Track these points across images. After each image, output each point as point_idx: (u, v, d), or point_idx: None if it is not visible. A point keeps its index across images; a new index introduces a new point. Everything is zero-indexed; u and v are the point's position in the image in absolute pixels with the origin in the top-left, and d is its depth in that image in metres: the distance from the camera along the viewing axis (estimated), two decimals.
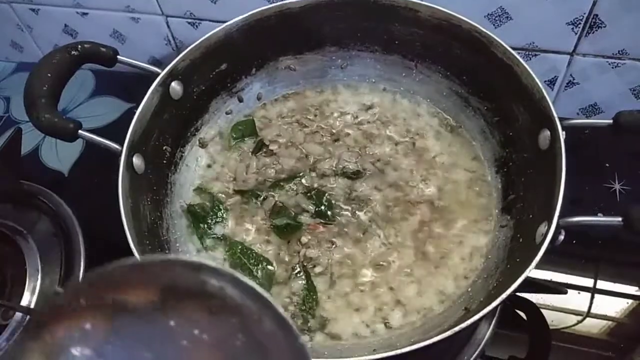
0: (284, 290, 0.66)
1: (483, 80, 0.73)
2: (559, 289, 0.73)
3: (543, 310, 0.71)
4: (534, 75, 0.64)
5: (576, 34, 0.79)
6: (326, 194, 0.72)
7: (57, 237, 0.81)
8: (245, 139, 0.80)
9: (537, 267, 0.52)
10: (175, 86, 0.72)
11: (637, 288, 0.74)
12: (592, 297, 0.73)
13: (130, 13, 0.97)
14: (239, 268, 0.68)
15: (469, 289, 0.64)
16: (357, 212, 0.71)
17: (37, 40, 1.09)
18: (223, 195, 0.75)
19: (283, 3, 0.75)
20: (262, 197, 0.73)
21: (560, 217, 0.54)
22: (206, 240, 0.71)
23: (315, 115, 0.81)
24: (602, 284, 0.74)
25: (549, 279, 0.74)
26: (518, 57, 0.65)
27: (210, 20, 0.94)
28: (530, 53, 0.83)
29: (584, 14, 0.76)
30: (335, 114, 0.81)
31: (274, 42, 0.79)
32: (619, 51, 0.79)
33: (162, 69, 0.70)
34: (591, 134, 0.79)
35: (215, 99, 0.80)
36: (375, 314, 0.64)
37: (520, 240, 0.62)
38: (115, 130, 0.97)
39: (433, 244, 0.68)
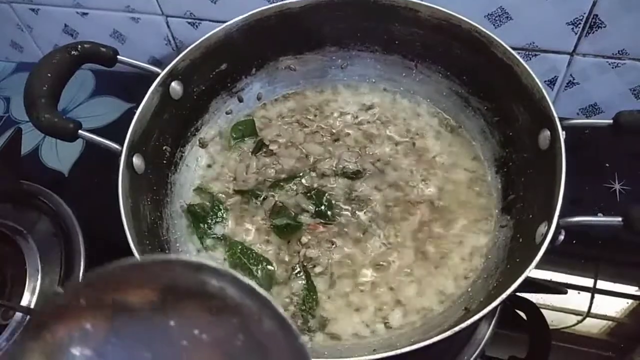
0: (284, 290, 0.66)
1: (483, 80, 0.73)
2: (559, 289, 0.73)
3: (543, 310, 0.72)
4: (534, 75, 0.64)
5: (576, 34, 0.79)
6: (326, 194, 0.72)
7: (57, 237, 0.81)
8: (245, 139, 0.80)
9: (537, 267, 0.52)
10: (175, 86, 0.72)
11: (637, 288, 0.74)
12: (592, 297, 0.73)
13: (130, 13, 0.97)
14: (238, 268, 0.68)
15: (469, 289, 0.64)
16: (357, 212, 0.71)
17: (37, 40, 1.09)
18: (223, 195, 0.75)
19: (283, 3, 0.75)
20: (262, 197, 0.73)
21: (560, 217, 0.54)
22: (206, 240, 0.71)
23: (315, 115, 0.81)
24: (602, 284, 0.74)
25: (549, 279, 0.74)
26: (518, 57, 0.65)
27: (210, 20, 0.94)
28: (530, 53, 0.83)
29: (584, 14, 0.76)
30: (335, 114, 0.81)
31: (274, 42, 0.79)
32: (619, 51, 0.79)
33: (162, 69, 0.70)
34: (591, 134, 0.79)
35: (215, 99, 0.80)
36: (375, 314, 0.64)
37: (520, 240, 0.62)
38: (115, 130, 0.97)
39: (433, 244, 0.68)
